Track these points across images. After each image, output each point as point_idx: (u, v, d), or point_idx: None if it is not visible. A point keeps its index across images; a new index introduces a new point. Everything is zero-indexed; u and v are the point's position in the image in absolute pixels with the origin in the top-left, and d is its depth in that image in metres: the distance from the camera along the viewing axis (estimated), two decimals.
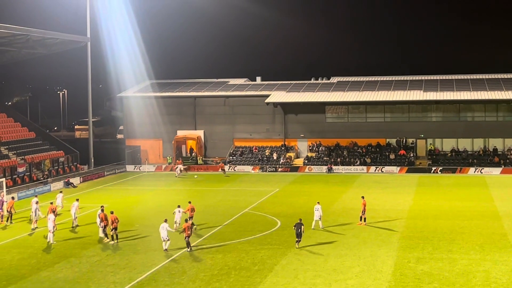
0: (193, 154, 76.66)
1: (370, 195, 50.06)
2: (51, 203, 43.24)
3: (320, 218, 39.44)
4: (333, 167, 70.49)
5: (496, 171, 67.02)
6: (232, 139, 78.34)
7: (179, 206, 40.21)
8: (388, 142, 74.49)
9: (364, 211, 40.65)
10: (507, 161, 69.06)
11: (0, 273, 31.30)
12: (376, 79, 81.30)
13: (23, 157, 64.87)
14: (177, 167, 69.36)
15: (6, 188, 53.50)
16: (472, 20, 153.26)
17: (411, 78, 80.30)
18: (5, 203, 44.70)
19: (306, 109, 75.81)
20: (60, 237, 38.30)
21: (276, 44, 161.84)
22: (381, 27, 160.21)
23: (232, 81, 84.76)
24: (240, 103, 78.12)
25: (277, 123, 77.00)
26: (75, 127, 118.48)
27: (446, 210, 46.15)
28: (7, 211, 43.42)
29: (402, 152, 72.24)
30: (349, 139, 75.00)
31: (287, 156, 74.13)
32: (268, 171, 71.81)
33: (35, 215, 41.67)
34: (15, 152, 65.21)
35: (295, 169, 71.51)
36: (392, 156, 71.98)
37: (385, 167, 69.83)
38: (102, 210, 38.08)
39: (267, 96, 76.27)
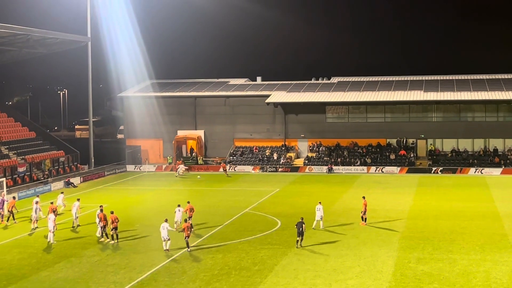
0: (193, 154, 76.66)
1: (370, 195, 50.05)
2: (52, 203, 43.21)
3: (321, 218, 39.45)
4: (334, 167, 70.48)
5: (497, 171, 67.01)
6: (233, 139, 78.34)
7: (179, 205, 40.29)
8: (389, 142, 74.48)
9: (365, 211, 40.67)
10: (508, 161, 69.05)
11: (1, 272, 31.30)
12: (376, 79, 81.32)
13: (23, 157, 64.88)
14: (179, 167, 69.30)
15: (7, 188, 53.49)
16: (473, 20, 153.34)
17: (411, 78, 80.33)
18: (5, 203, 44.75)
19: (306, 109, 75.81)
20: (60, 237, 38.31)
21: (276, 44, 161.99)
22: (382, 27, 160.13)
23: (233, 81, 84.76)
24: (240, 103, 78.13)
25: (277, 123, 77.00)
26: (76, 127, 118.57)
27: (446, 210, 46.14)
28: (9, 211, 43.41)
29: (402, 152, 72.23)
30: (349, 139, 74.99)
31: (287, 156, 74.13)
32: (269, 171, 71.80)
33: (35, 213, 41.60)
34: (15, 152, 65.21)
35: (296, 169, 71.51)
36: (392, 156, 71.97)
37: (386, 167, 69.82)
38: (101, 210, 38.04)
39: (268, 96, 76.28)
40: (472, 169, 67.45)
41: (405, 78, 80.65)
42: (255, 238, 37.58)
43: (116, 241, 36.70)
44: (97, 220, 37.88)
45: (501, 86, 73.53)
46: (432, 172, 68.04)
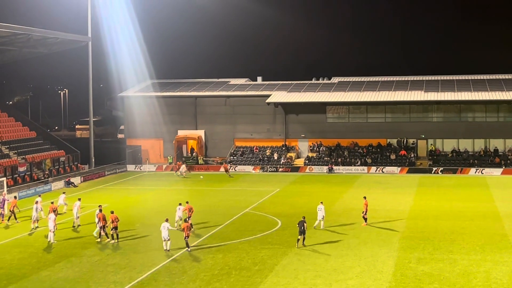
0: (194, 154, 76.67)
1: (370, 195, 49.95)
2: (52, 202, 43.22)
3: (323, 218, 39.46)
4: (334, 167, 70.47)
5: (497, 171, 66.99)
6: (233, 139, 78.34)
7: (180, 204, 40.33)
8: (389, 142, 74.47)
9: (366, 211, 40.67)
10: (508, 161, 69.04)
11: (1, 272, 31.31)
12: (377, 80, 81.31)
13: (24, 156, 64.90)
14: (181, 168, 69.20)
15: (7, 188, 53.49)
16: (473, 20, 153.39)
17: (412, 79, 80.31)
18: (6, 202, 44.76)
19: (307, 109, 75.79)
20: (60, 236, 38.31)
21: (277, 44, 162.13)
22: (382, 27, 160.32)
23: (233, 81, 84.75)
24: (241, 103, 78.12)
25: (277, 123, 76.99)
26: (76, 126, 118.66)
27: (446, 210, 46.14)
28: (10, 210, 43.41)
29: (403, 152, 72.21)
30: (350, 139, 74.98)
31: (287, 156, 74.13)
32: (269, 171, 71.80)
33: (36, 213, 41.55)
34: (16, 151, 65.23)
35: (296, 169, 71.50)
36: (393, 157, 71.96)
37: (386, 167, 69.81)
38: (100, 210, 37.97)
39: (268, 96, 76.27)
40: (473, 169, 67.44)
41: (406, 78, 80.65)
42: (255, 238, 37.59)
43: (116, 240, 36.70)
44: (96, 220, 37.87)
45: (501, 86, 73.49)
46: (433, 172, 68.03)
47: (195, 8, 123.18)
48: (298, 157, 75.70)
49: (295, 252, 33.96)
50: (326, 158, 72.65)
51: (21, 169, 62.11)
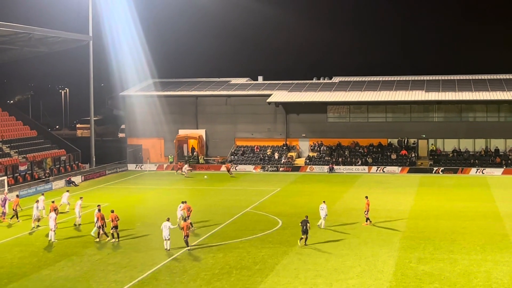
0: (194, 153, 76.70)
1: (371, 195, 49.76)
2: (53, 201, 43.25)
3: (325, 217, 39.50)
4: (335, 167, 70.47)
5: (498, 171, 66.98)
6: (234, 139, 78.36)
7: (183, 202, 40.40)
8: (390, 142, 74.46)
9: (367, 211, 40.68)
10: (509, 161, 69.01)
11: (2, 271, 31.32)
12: (378, 79, 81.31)
13: (24, 155, 64.94)
14: (183, 167, 69.20)
15: (8, 187, 53.52)
16: (474, 20, 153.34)
17: (413, 78, 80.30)
18: (7, 201, 44.75)
19: (307, 108, 75.79)
20: (61, 235, 38.31)
21: (278, 43, 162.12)
22: (383, 27, 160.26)
23: (234, 81, 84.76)
24: (241, 102, 78.13)
25: (278, 122, 77.00)
26: (77, 125, 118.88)
27: (447, 210, 46.14)
28: (13, 209, 43.40)
29: (403, 152, 72.21)
30: (350, 139, 74.99)
31: (288, 156, 74.13)
32: (270, 171, 71.82)
33: (37, 211, 41.54)
34: (16, 150, 65.28)
35: (297, 168, 71.51)
36: (393, 156, 71.95)
37: (387, 167, 69.81)
38: (99, 210, 37.93)
39: (269, 95, 76.26)
40: (473, 169, 67.42)
41: (407, 78, 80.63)
42: (256, 237, 37.59)
43: (117, 239, 36.72)
44: (95, 219, 37.83)
45: (502, 86, 73.46)
46: (433, 172, 68.02)
47: (196, 7, 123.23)
48: (299, 156, 75.71)
49: (295, 251, 33.95)
50: (327, 158, 72.65)
51: (22, 168, 62.13)
